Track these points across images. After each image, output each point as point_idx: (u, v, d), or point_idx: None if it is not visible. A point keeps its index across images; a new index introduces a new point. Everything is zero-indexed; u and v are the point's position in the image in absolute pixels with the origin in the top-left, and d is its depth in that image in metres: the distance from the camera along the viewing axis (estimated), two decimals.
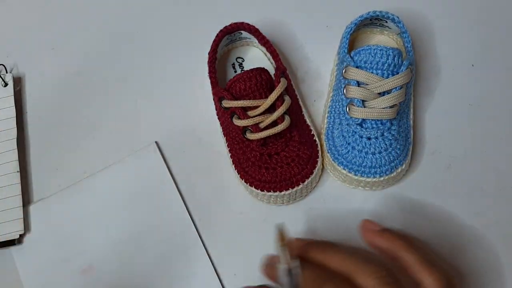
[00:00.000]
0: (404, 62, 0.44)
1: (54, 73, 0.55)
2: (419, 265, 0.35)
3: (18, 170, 0.49)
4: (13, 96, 0.52)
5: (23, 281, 0.46)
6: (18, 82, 0.55)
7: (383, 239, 0.38)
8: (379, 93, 0.44)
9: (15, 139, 0.50)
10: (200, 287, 0.45)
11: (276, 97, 0.44)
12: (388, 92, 0.44)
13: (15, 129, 0.51)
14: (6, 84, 0.53)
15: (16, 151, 0.50)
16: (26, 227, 0.48)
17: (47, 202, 0.49)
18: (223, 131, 0.49)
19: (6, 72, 0.54)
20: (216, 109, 0.49)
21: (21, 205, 0.48)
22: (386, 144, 0.45)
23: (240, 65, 0.52)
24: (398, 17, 0.48)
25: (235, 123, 0.45)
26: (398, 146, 0.45)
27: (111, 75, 0.55)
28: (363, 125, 0.45)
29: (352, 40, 0.52)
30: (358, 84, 0.45)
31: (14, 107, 0.52)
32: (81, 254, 0.47)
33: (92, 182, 0.49)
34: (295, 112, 0.48)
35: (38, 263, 0.47)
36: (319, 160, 0.47)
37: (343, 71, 0.46)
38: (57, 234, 0.48)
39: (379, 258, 0.36)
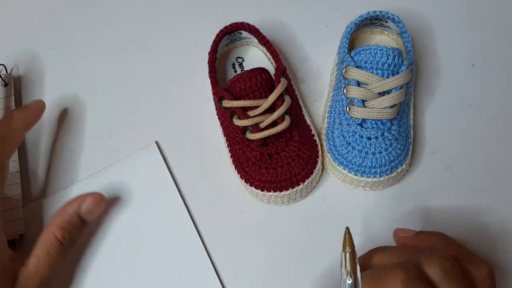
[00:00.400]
0: (404, 62, 0.44)
1: (54, 73, 0.55)
2: (464, 257, 0.35)
3: (18, 170, 0.49)
4: (13, 96, 0.52)
5: None
6: (18, 82, 0.55)
7: (422, 240, 0.37)
8: (379, 93, 0.44)
9: None
10: (200, 287, 0.45)
11: (276, 97, 0.44)
12: (388, 92, 0.44)
13: None
14: (6, 84, 0.53)
15: (16, 151, 0.50)
16: (27, 227, 0.47)
17: (47, 202, 0.49)
18: (223, 131, 0.49)
19: (6, 72, 0.54)
20: (216, 109, 0.49)
21: (22, 205, 0.48)
22: (386, 144, 0.45)
23: (240, 65, 0.52)
24: (398, 17, 0.48)
25: (235, 123, 0.45)
26: (398, 146, 0.45)
27: (111, 75, 0.55)
28: (363, 125, 0.45)
29: (352, 40, 0.53)
30: (358, 84, 0.45)
31: (15, 107, 0.52)
32: (81, 254, 0.47)
33: (92, 182, 0.49)
34: (295, 112, 0.48)
35: None
36: (319, 160, 0.47)
37: (343, 71, 0.46)
38: None
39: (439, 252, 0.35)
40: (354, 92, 0.44)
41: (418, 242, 0.37)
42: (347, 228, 0.36)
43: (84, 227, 0.44)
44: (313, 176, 0.46)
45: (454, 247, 0.36)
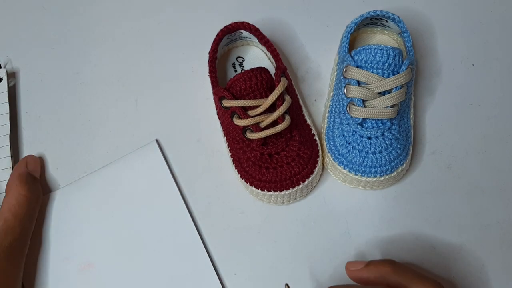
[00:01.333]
0: (404, 62, 0.44)
1: (54, 72, 0.55)
2: (411, 281, 0.36)
3: (11, 166, 0.49)
4: (7, 93, 0.52)
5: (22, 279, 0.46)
6: (12, 78, 0.54)
7: (370, 271, 0.38)
8: (380, 93, 0.44)
9: (8, 136, 0.50)
10: (200, 287, 0.45)
11: (276, 96, 0.44)
12: (388, 91, 0.44)
13: (8, 125, 0.51)
14: (0, 80, 0.53)
15: (8, 147, 0.50)
16: None
17: (46, 199, 0.49)
18: (223, 130, 0.49)
19: (0, 68, 0.54)
20: (216, 109, 0.49)
21: None
22: (386, 144, 0.45)
23: (241, 64, 0.52)
24: (398, 17, 0.48)
25: (235, 122, 0.45)
26: (399, 146, 0.45)
27: (111, 74, 0.55)
28: (364, 124, 0.45)
29: (353, 40, 0.53)
30: (359, 83, 0.45)
31: (8, 103, 0.52)
32: (81, 252, 0.47)
33: (92, 180, 0.49)
34: (296, 111, 0.48)
35: (36, 261, 0.46)
36: (320, 159, 0.47)
37: (344, 70, 0.46)
38: (56, 232, 0.47)
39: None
40: (355, 92, 0.44)
41: (368, 274, 0.38)
42: (287, 284, 0.40)
43: (38, 183, 0.48)
44: (313, 175, 0.46)
45: (402, 273, 0.37)
